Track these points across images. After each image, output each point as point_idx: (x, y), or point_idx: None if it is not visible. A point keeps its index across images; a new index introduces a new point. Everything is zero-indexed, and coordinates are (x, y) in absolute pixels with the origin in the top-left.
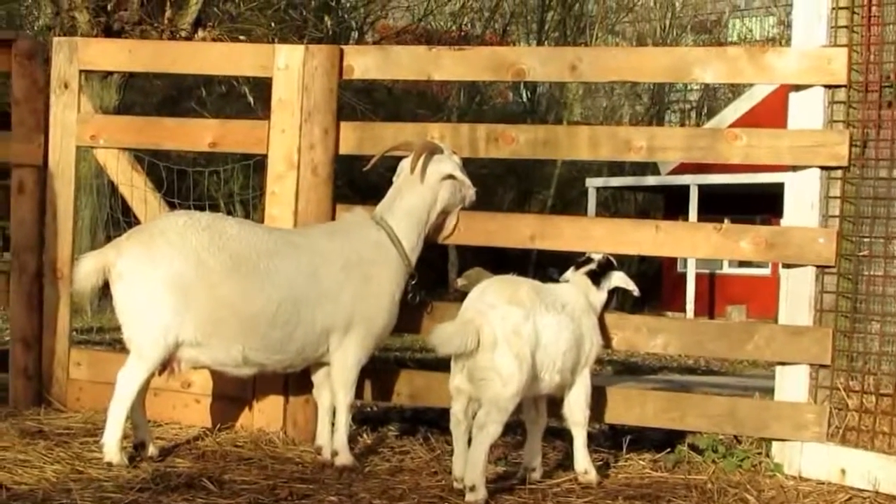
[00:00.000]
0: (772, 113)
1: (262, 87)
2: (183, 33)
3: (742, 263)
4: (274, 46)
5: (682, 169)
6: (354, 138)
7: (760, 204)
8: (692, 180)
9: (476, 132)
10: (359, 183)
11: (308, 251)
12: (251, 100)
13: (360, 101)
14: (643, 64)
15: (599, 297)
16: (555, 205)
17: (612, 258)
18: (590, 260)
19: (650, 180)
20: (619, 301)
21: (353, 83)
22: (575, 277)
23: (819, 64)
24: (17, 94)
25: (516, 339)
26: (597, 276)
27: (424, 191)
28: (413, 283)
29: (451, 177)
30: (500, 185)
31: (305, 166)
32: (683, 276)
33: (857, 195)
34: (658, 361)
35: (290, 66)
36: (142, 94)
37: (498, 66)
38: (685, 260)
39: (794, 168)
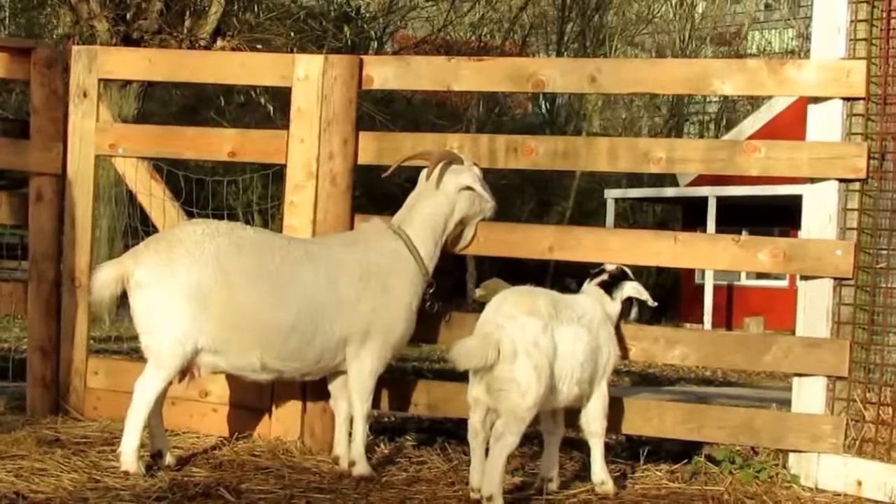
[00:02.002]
0: (790, 125)
1: (281, 97)
2: (202, 43)
3: (760, 275)
4: (293, 56)
5: (701, 181)
6: (373, 148)
7: (778, 216)
8: (710, 192)
9: (495, 143)
10: (377, 194)
11: (326, 260)
12: (270, 109)
13: (378, 111)
14: (663, 76)
15: (614, 307)
16: (573, 216)
17: (625, 269)
18: (603, 271)
19: (669, 192)
20: (638, 313)
21: (372, 93)
22: (589, 288)
23: (838, 76)
24: (36, 103)
25: (535, 350)
26: (610, 287)
27: (442, 200)
28: (430, 291)
29: (469, 188)
30: (518, 196)
31: (324, 176)
32: (701, 288)
33: (875, 207)
34: (676, 373)
35: (309, 76)
36: (160, 104)
37: (517, 77)
38: (703, 271)
39: (813, 180)
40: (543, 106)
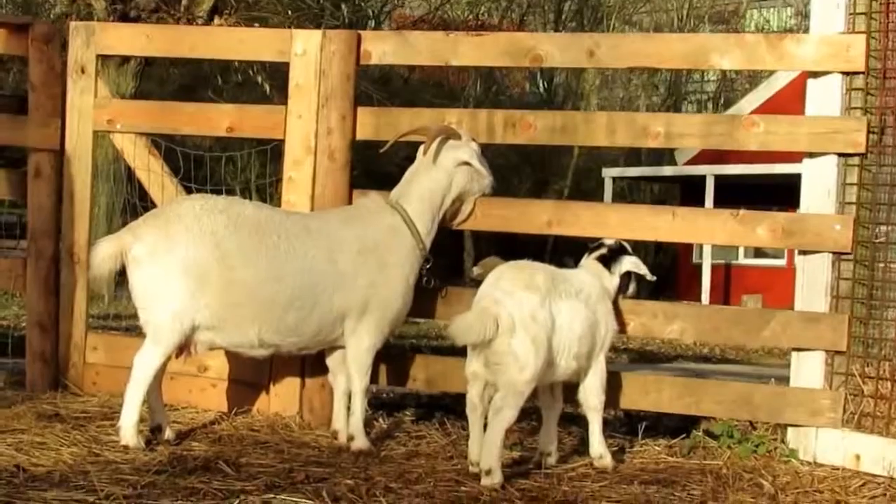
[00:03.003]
0: (789, 103)
1: (278, 76)
2: (199, 21)
3: (758, 254)
4: (292, 32)
5: (699, 159)
6: (371, 124)
7: (777, 195)
8: (709, 171)
9: (493, 118)
10: (375, 172)
11: (324, 236)
12: (267, 88)
13: (376, 90)
14: (661, 50)
15: (612, 281)
16: (571, 195)
17: (624, 243)
18: (601, 245)
19: (667, 170)
20: (637, 288)
21: (370, 72)
22: (588, 263)
23: (837, 51)
24: (34, 79)
25: (533, 324)
26: (608, 261)
27: (440, 175)
28: (428, 267)
29: (466, 164)
30: (515, 175)
31: (322, 152)
32: (699, 267)
33: (874, 182)
34: (673, 350)
35: (307, 52)
36: (158, 83)
37: (515, 52)
38: (700, 251)
39: (812, 155)
40: (541, 85)
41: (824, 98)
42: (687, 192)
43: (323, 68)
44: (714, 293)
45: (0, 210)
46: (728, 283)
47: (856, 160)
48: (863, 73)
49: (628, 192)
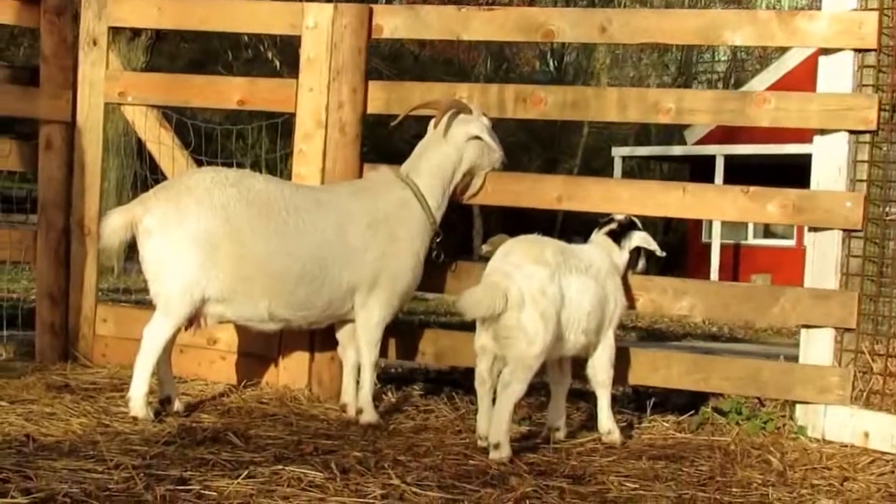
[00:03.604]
0: (800, 83)
1: (289, 52)
2: None
3: (767, 234)
4: (303, 5)
5: (709, 139)
6: (382, 98)
7: (787, 175)
8: (718, 150)
9: (504, 93)
10: (384, 149)
11: (335, 209)
12: (277, 64)
13: (387, 67)
14: (673, 26)
15: (622, 257)
16: (581, 174)
17: (634, 219)
18: (611, 220)
19: (676, 150)
20: (646, 264)
21: (381, 49)
22: (597, 238)
23: (849, 27)
24: (45, 51)
25: (542, 298)
26: (618, 236)
27: (450, 149)
28: (437, 241)
29: (477, 138)
30: (525, 154)
31: (333, 125)
32: (708, 247)
33: (886, 159)
34: (682, 329)
35: (318, 25)
36: (168, 58)
37: (527, 27)
38: (710, 230)
39: (823, 132)
40: (551, 63)
41: (836, 75)
42: (697, 172)
43: (335, 41)
44: (723, 273)
45: (10, 184)
46: (737, 263)
47: (867, 137)
48: (875, 50)
49: (638, 172)
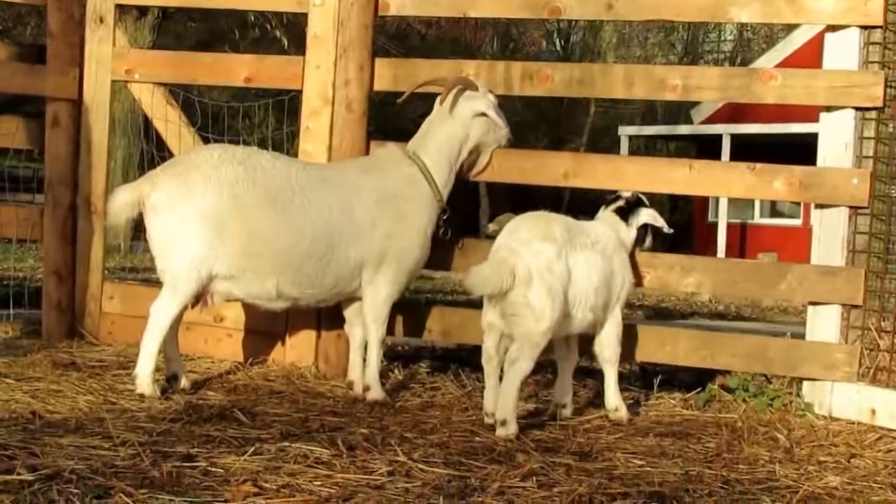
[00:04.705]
0: (806, 62)
1: (296, 31)
2: None
3: (773, 213)
4: None
5: (716, 118)
6: (389, 75)
7: (793, 154)
8: (724, 130)
9: (511, 70)
10: (391, 128)
11: (342, 186)
12: (285, 43)
13: (393, 46)
14: (680, 3)
15: (629, 234)
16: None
17: (642, 196)
18: (619, 197)
19: (683, 129)
20: (653, 241)
21: (387, 28)
22: (605, 215)
23: (855, 4)
24: (52, 28)
25: (549, 275)
26: (626, 213)
27: (456, 126)
28: (444, 218)
29: (483, 114)
30: (532, 133)
31: (340, 102)
32: (714, 226)
33: (892, 136)
34: (689, 307)
35: (325, 2)
36: (175, 38)
37: (534, 4)
38: (716, 209)
39: (829, 109)
40: (558, 43)
41: (842, 52)
42: (703, 152)
43: (341, 18)
44: (730, 252)
45: (17, 164)
46: (744, 242)
47: (873, 114)
48: (881, 27)
49: (644, 151)
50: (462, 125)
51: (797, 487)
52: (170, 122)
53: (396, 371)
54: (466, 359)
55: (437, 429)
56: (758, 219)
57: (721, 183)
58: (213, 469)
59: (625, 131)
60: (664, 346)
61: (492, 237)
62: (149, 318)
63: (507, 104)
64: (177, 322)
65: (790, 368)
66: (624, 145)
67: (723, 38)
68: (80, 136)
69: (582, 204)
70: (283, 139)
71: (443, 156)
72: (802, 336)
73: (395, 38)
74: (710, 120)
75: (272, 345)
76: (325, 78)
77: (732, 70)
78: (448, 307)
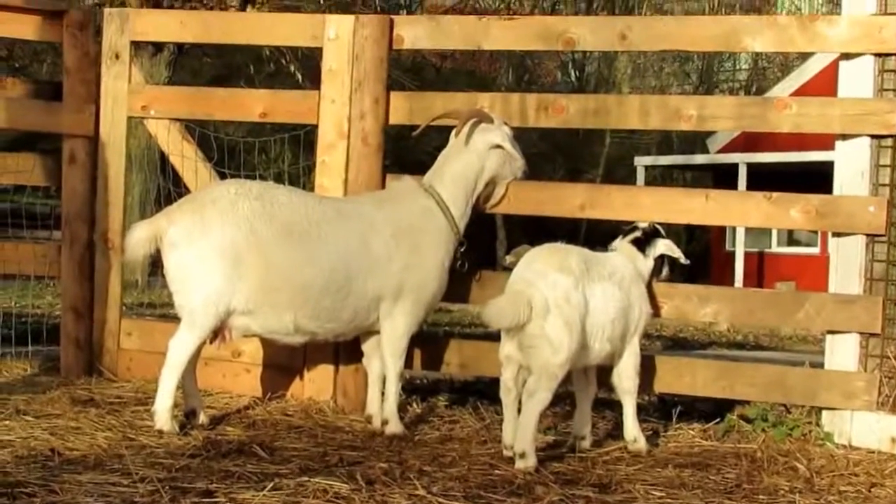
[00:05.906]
0: (821, 90)
1: (311, 66)
2: (232, 9)
3: (791, 242)
4: (325, 16)
5: (731, 147)
6: (404, 108)
7: (810, 183)
8: (741, 158)
9: (526, 101)
10: (406, 161)
11: (358, 219)
12: (300, 77)
13: (408, 79)
14: (693, 33)
15: (646, 264)
16: (603, 183)
17: (658, 226)
18: (636, 228)
19: (699, 159)
20: (670, 271)
21: (402, 62)
22: (622, 245)
23: (870, 32)
24: (68, 65)
25: (566, 306)
26: (642, 244)
27: (472, 158)
28: (462, 250)
29: (498, 146)
30: (548, 164)
31: (356, 136)
32: (732, 255)
33: None
34: (707, 337)
35: (340, 36)
36: (191, 73)
37: (548, 36)
38: (733, 238)
39: (844, 136)
40: (573, 74)
41: (857, 80)
42: (719, 181)
43: (356, 52)
44: (747, 281)
45: (34, 201)
46: (761, 271)
47: (889, 141)
48: (895, 54)
49: (661, 181)
50: (478, 157)
51: None
52: (186, 158)
53: (415, 404)
54: (485, 391)
55: (456, 462)
56: (775, 248)
57: (738, 212)
58: None
59: (641, 161)
60: (682, 377)
61: (509, 269)
62: (167, 354)
63: (522, 136)
64: (195, 358)
65: (809, 397)
66: (640, 175)
67: (738, 66)
68: (97, 173)
69: (599, 235)
70: (300, 173)
71: (459, 188)
72: (821, 365)
73: (409, 72)
74: (727, 149)
75: (290, 379)
76: (341, 112)
77: (747, 99)
78: (466, 340)
